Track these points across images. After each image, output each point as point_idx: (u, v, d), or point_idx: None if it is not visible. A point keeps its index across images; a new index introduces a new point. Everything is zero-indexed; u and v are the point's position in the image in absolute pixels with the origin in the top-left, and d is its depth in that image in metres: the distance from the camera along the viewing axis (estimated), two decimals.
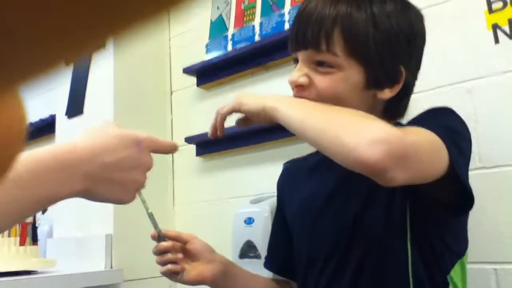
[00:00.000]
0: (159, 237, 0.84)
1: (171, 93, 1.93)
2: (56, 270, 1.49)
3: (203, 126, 1.75)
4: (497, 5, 1.18)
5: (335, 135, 0.64)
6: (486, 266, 1.11)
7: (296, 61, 0.82)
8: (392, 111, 0.82)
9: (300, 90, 0.77)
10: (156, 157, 1.92)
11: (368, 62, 0.75)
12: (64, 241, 1.70)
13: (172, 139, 1.89)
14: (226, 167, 1.69)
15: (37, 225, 1.56)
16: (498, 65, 1.15)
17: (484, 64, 1.17)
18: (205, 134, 1.70)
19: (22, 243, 1.45)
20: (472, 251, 1.13)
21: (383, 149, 0.58)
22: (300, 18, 0.79)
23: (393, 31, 0.76)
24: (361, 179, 0.66)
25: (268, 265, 0.99)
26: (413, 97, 1.28)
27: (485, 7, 1.19)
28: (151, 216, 0.85)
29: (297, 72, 0.77)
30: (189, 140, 1.75)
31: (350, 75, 0.75)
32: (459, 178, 0.68)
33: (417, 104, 1.26)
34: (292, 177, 0.98)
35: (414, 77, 0.84)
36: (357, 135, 0.61)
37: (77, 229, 1.68)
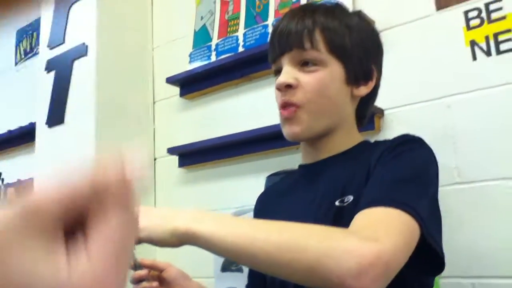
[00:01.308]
0: (135, 265, 0.85)
1: (154, 103, 1.92)
2: None
3: (186, 137, 1.75)
4: (474, 22, 1.21)
5: (305, 262, 0.57)
6: (463, 281, 1.12)
7: (277, 72, 0.83)
8: (362, 111, 0.87)
9: (287, 91, 0.79)
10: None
11: (346, 59, 0.80)
12: None
13: (154, 150, 1.88)
14: (209, 178, 1.69)
15: None
16: (476, 81, 1.18)
17: (463, 80, 1.20)
18: (188, 145, 1.71)
19: None
20: (449, 266, 1.14)
21: (370, 279, 0.55)
22: (278, 30, 0.83)
23: (364, 35, 0.84)
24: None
25: None
26: (393, 111, 1.30)
27: (464, 24, 1.22)
28: None
29: (285, 74, 0.79)
30: (171, 151, 1.74)
31: (333, 70, 0.79)
32: (432, 247, 0.67)
33: (399, 119, 1.28)
34: (266, 204, 0.97)
35: (379, 81, 0.89)
36: (336, 264, 0.56)
37: None
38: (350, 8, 1.21)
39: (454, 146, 1.18)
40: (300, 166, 0.90)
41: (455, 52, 1.22)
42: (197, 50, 1.80)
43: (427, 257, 0.68)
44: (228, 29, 1.75)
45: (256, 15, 1.68)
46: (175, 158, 1.76)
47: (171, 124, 1.85)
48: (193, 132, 1.75)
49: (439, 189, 1.17)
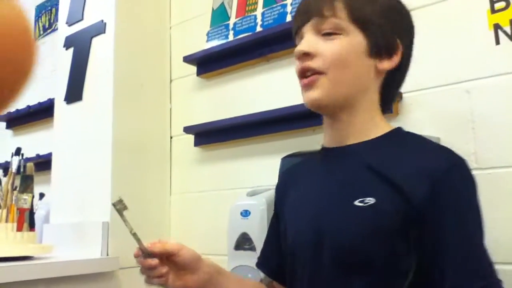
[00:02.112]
0: (145, 254, 0.82)
1: (171, 82, 1.93)
2: (52, 256, 1.50)
3: (203, 116, 1.75)
4: (499, 5, 1.17)
5: None
6: None
7: (299, 42, 0.83)
8: (386, 93, 0.82)
9: (305, 59, 0.77)
10: (154, 145, 1.92)
11: (369, 30, 0.77)
12: (61, 227, 1.71)
13: (170, 128, 1.89)
14: (224, 158, 1.70)
15: (34, 211, 1.56)
16: (498, 66, 1.15)
17: (484, 64, 1.17)
18: (204, 124, 1.72)
19: (19, 228, 1.47)
20: None
21: None
22: (301, 3, 0.84)
23: (390, 6, 0.81)
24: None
25: (260, 266, 0.97)
26: (411, 95, 1.28)
27: (488, 6, 1.19)
28: (135, 235, 0.84)
29: (303, 43, 0.78)
30: (187, 129, 1.75)
31: (354, 40, 0.77)
32: None
33: (418, 102, 1.27)
34: (287, 184, 0.94)
35: (408, 57, 0.85)
36: None
37: (74, 215, 1.69)
38: None
39: (473, 131, 1.17)
40: (323, 149, 0.87)
41: (477, 35, 1.19)
42: (215, 29, 1.79)
43: None
44: (247, 8, 1.73)
45: None
46: (191, 137, 1.77)
47: (187, 103, 1.85)
48: (209, 111, 1.76)
49: None
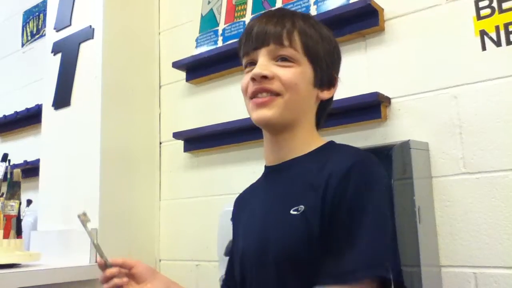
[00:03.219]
0: (106, 265, 0.91)
1: (160, 87, 1.92)
2: (40, 264, 1.48)
3: (192, 121, 1.75)
4: (485, 12, 1.19)
5: None
6: (466, 270, 1.13)
7: (249, 64, 0.88)
8: (320, 115, 0.92)
9: (263, 81, 0.83)
10: (143, 151, 1.91)
11: (317, 65, 0.87)
12: (48, 234, 1.69)
13: (160, 134, 1.88)
14: (213, 164, 1.70)
15: (21, 217, 1.55)
16: (485, 72, 1.17)
17: (471, 70, 1.19)
18: (194, 130, 1.72)
19: (6, 236, 1.45)
20: (452, 256, 1.16)
21: None
22: (255, 27, 0.87)
23: (332, 45, 0.91)
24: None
25: (223, 285, 1.01)
26: (399, 100, 1.29)
27: (474, 13, 1.21)
28: (97, 246, 0.93)
29: (261, 66, 0.84)
30: (177, 135, 1.74)
31: (306, 70, 0.86)
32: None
33: (406, 108, 1.28)
34: (238, 207, 1.02)
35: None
36: None
37: (61, 222, 1.67)
38: None
39: (460, 136, 1.18)
40: (265, 168, 0.94)
41: (464, 42, 1.21)
42: (204, 34, 1.79)
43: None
44: (235, 14, 1.74)
45: (263, 0, 1.66)
46: (180, 143, 1.77)
47: (176, 109, 1.85)
48: (199, 117, 1.75)
49: (444, 179, 1.18)
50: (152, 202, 1.81)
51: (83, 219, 0.95)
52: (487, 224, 1.12)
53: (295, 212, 0.78)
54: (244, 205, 0.98)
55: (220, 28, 1.76)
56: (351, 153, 0.82)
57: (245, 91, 0.87)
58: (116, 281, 0.90)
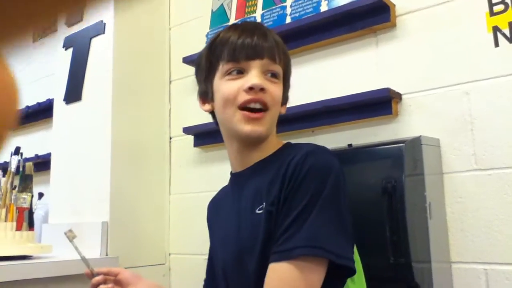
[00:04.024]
0: (92, 274, 0.99)
1: (170, 82, 1.93)
2: (51, 256, 1.50)
3: (202, 116, 1.75)
4: (498, 8, 1.18)
5: None
6: (477, 266, 1.13)
7: (238, 72, 0.87)
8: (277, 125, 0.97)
9: (259, 93, 0.85)
10: (153, 146, 1.91)
11: (286, 84, 0.93)
12: (60, 227, 1.70)
13: (170, 129, 1.89)
14: (223, 159, 1.70)
15: (33, 210, 1.56)
16: (497, 68, 1.16)
17: (483, 67, 1.18)
18: (204, 125, 1.72)
19: (18, 228, 1.46)
20: (463, 251, 1.15)
21: None
22: (240, 35, 0.88)
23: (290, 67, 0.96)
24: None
25: (205, 286, 1.06)
26: (411, 97, 1.29)
27: (487, 9, 1.20)
28: (84, 259, 1.01)
29: (259, 77, 0.86)
30: (187, 130, 1.75)
31: (281, 89, 0.90)
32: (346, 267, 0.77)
33: (417, 104, 1.28)
34: (211, 212, 1.07)
35: None
36: None
37: (72, 215, 1.69)
38: None
39: (472, 133, 1.18)
40: (231, 174, 0.98)
41: (476, 38, 1.20)
42: (214, 30, 1.79)
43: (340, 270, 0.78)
44: (246, 9, 1.74)
45: None
46: (190, 138, 1.77)
47: (187, 104, 1.85)
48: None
49: (455, 175, 1.18)
50: (162, 196, 1.83)
51: (69, 235, 1.04)
52: (498, 221, 1.11)
53: (260, 211, 0.83)
54: (217, 211, 1.03)
55: (231, 24, 1.76)
56: (305, 146, 0.86)
57: (232, 99, 0.85)
58: (102, 287, 0.98)
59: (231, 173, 0.97)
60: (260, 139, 0.88)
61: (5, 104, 0.19)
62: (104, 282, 0.99)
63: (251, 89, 0.84)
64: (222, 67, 0.88)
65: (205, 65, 0.91)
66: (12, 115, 0.19)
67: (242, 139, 0.88)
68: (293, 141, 1.48)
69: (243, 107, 0.85)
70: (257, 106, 0.84)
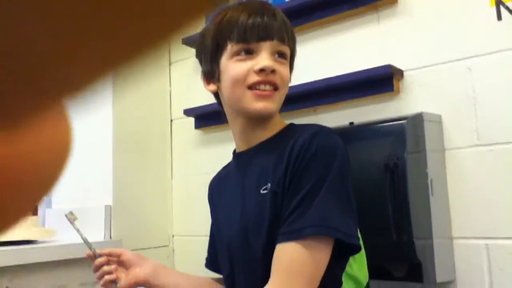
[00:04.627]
0: (95, 256, 0.99)
1: (170, 64, 1.92)
2: (56, 240, 1.51)
3: (203, 98, 1.74)
4: None
5: None
6: (478, 242, 1.13)
7: (246, 51, 0.86)
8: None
9: (269, 74, 0.85)
10: (154, 129, 1.91)
11: (292, 63, 0.93)
12: (63, 211, 1.71)
13: (170, 111, 1.88)
14: (225, 140, 1.70)
15: None
16: (500, 42, 1.14)
17: (485, 41, 1.17)
18: (205, 107, 1.71)
19: None
20: (464, 227, 1.15)
21: None
22: (249, 19, 0.87)
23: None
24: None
25: (207, 264, 1.06)
26: (412, 73, 1.27)
27: None
28: (86, 240, 1.01)
29: (270, 59, 0.86)
30: (188, 112, 1.74)
31: (288, 69, 0.91)
32: (351, 245, 0.79)
33: (419, 81, 1.26)
34: (213, 192, 1.06)
35: None
36: None
37: (76, 199, 1.70)
38: None
39: (474, 108, 1.17)
40: (234, 154, 0.98)
41: (479, 12, 1.18)
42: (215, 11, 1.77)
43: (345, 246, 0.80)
44: None
45: None
46: (191, 120, 1.77)
47: (187, 86, 1.84)
48: (210, 93, 1.75)
49: (457, 151, 1.17)
50: (164, 179, 1.83)
51: (70, 217, 1.04)
52: (500, 196, 1.11)
53: (265, 191, 0.83)
54: (219, 189, 1.02)
55: (235, 1, 1.73)
56: (310, 127, 0.87)
57: (242, 80, 0.85)
58: (105, 268, 0.98)
59: (234, 152, 0.97)
60: (270, 116, 0.89)
61: (57, 160, 0.19)
62: (107, 263, 0.99)
63: (262, 70, 0.84)
64: (231, 48, 0.86)
65: (212, 44, 0.89)
66: (61, 170, 0.19)
67: (251, 117, 0.88)
68: (296, 121, 1.48)
69: (253, 88, 0.85)
70: (267, 87, 0.85)
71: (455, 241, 1.16)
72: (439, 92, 1.23)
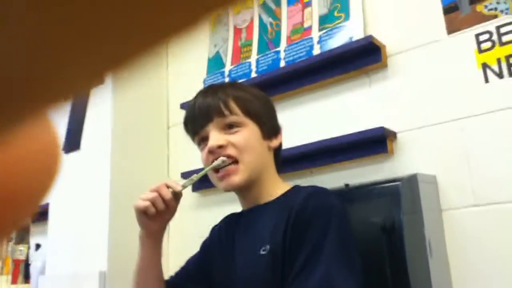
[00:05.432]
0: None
1: (168, 128, 1.94)
2: None
3: (200, 162, 1.76)
4: (486, 45, 1.21)
5: None
6: None
7: (202, 141, 0.96)
8: (277, 159, 1.01)
9: (220, 151, 0.91)
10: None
11: (260, 120, 0.96)
12: (57, 278, 1.67)
13: (168, 174, 1.89)
14: (223, 202, 1.69)
15: (29, 262, 1.54)
16: (488, 103, 1.17)
17: (475, 102, 1.19)
18: (202, 170, 1.72)
19: (14, 281, 1.44)
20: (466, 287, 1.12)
21: None
22: (196, 106, 0.96)
23: (266, 99, 1.01)
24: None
25: (169, 279, 1.07)
26: (406, 134, 1.29)
27: (475, 47, 1.22)
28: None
29: (214, 138, 0.92)
30: (185, 175, 1.75)
31: (252, 129, 0.94)
32: None
33: (412, 141, 1.28)
34: (211, 248, 1.07)
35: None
36: None
37: (70, 265, 1.66)
38: (362, 34, 1.33)
39: (468, 168, 1.17)
40: (241, 212, 1.02)
41: (467, 75, 1.22)
42: (211, 76, 1.83)
43: None
44: (241, 55, 1.77)
45: (268, 41, 1.70)
46: None
47: (185, 149, 1.86)
48: None
49: (454, 211, 1.16)
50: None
51: (186, 183, 0.98)
52: (500, 256, 1.09)
53: (264, 252, 0.86)
54: (219, 240, 1.04)
55: (227, 69, 1.79)
56: (308, 189, 0.90)
57: (207, 165, 0.93)
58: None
59: (242, 210, 1.02)
60: (243, 187, 0.93)
61: (45, 170, 0.18)
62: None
63: (210, 152, 0.91)
64: (195, 141, 0.99)
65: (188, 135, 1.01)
66: (49, 182, 0.18)
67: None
68: (293, 182, 1.48)
69: (218, 170, 0.91)
70: (226, 162, 0.90)
71: None
72: (433, 153, 1.24)
